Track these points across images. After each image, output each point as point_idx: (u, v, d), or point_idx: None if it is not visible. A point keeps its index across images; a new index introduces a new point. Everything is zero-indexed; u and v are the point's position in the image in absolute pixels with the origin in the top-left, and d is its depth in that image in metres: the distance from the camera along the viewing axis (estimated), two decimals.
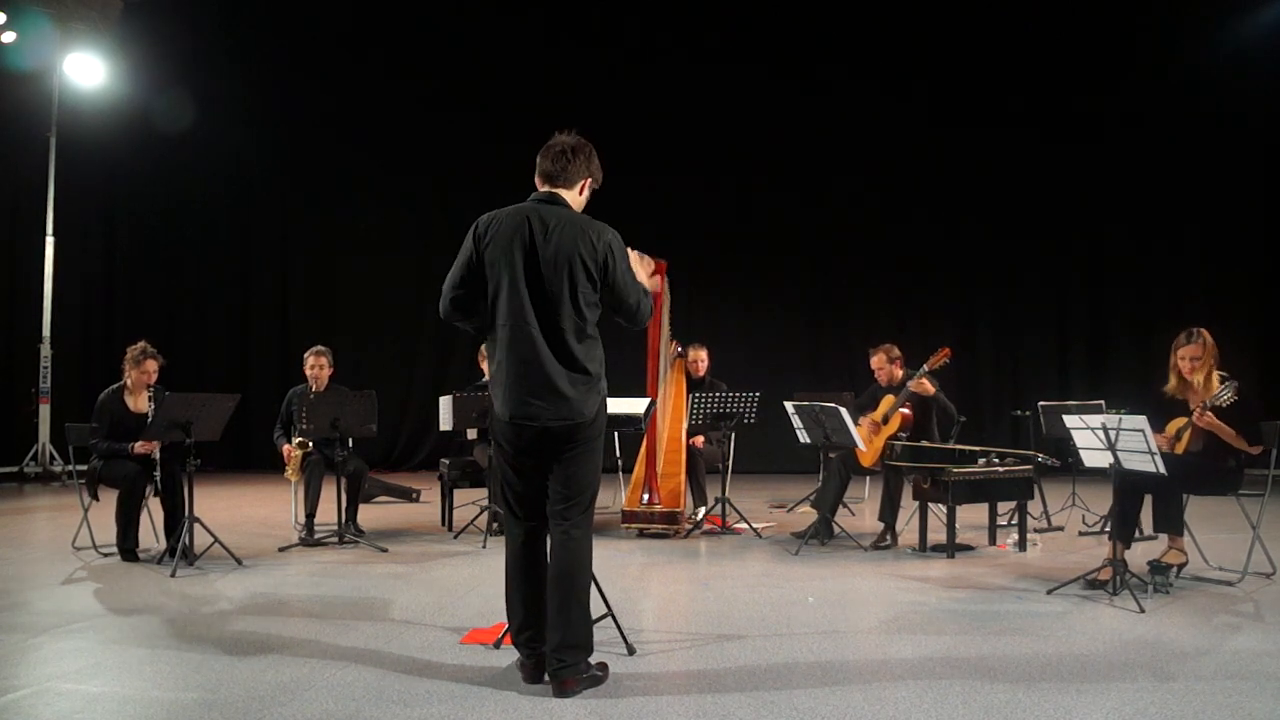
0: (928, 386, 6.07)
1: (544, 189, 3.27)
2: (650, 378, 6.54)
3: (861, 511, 7.65)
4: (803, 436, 6.27)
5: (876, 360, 6.40)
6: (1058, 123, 11.28)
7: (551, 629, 3.13)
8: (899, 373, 6.35)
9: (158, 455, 5.53)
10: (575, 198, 3.29)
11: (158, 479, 5.54)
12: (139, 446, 5.49)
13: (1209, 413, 4.64)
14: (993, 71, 11.32)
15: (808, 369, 11.42)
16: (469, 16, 11.58)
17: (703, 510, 6.79)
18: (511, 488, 3.27)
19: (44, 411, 10.25)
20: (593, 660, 3.22)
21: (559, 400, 3.11)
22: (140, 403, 5.72)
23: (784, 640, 3.78)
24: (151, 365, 5.71)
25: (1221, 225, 11.10)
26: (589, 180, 3.32)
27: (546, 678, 3.17)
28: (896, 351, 6.41)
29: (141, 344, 5.77)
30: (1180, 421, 4.83)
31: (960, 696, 3.09)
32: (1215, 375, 4.78)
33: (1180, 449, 4.80)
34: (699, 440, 6.96)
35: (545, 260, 3.11)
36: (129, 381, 5.71)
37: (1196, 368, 4.79)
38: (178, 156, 11.50)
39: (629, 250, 3.29)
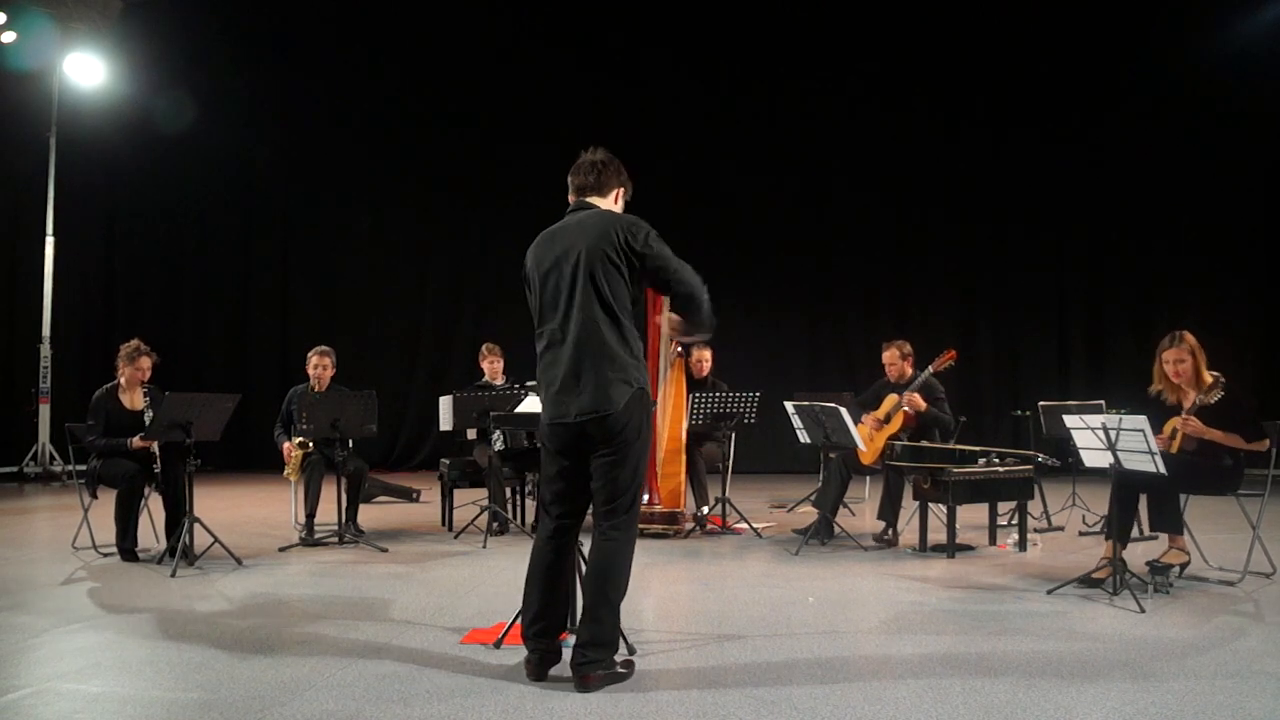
0: (919, 402, 6.10)
1: (575, 200, 3.35)
2: (650, 378, 6.53)
3: (861, 511, 7.64)
4: (803, 436, 6.27)
5: (889, 355, 6.41)
6: (1058, 123, 11.28)
7: (581, 625, 3.18)
8: (909, 369, 6.36)
9: (157, 450, 5.52)
10: (610, 205, 3.36)
11: (157, 473, 5.53)
12: (137, 441, 5.49)
13: (1193, 419, 4.65)
14: (994, 72, 11.33)
15: (808, 369, 11.42)
16: (469, 19, 11.58)
17: (705, 509, 6.79)
18: (549, 483, 3.32)
19: (44, 411, 10.25)
20: (617, 658, 3.26)
21: (581, 392, 3.14)
22: (135, 399, 5.72)
23: (784, 640, 3.78)
24: (145, 362, 5.72)
25: (1222, 225, 11.09)
26: (621, 190, 3.40)
27: (550, 672, 3.22)
28: (909, 348, 6.43)
29: (135, 341, 5.77)
30: (1175, 421, 4.84)
31: (960, 696, 3.09)
32: (1206, 374, 4.78)
33: (1174, 448, 4.81)
34: (708, 451, 6.95)
35: (569, 259, 3.18)
36: (123, 379, 5.71)
37: (1183, 371, 4.81)
38: (178, 156, 11.51)
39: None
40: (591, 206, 3.30)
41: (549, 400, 3.23)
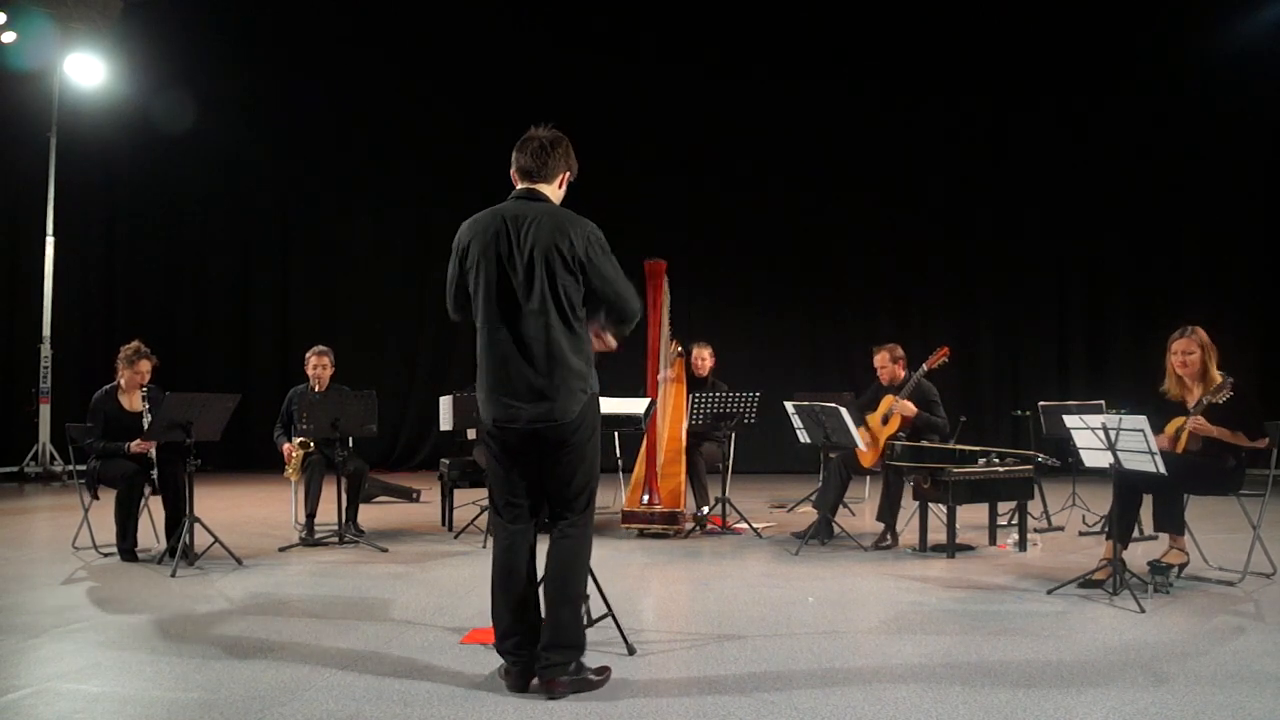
0: (910, 407, 6.10)
1: (522, 186, 3.23)
2: (650, 378, 6.54)
3: (861, 511, 7.64)
4: (803, 436, 6.27)
5: (880, 359, 6.41)
6: (1058, 123, 11.28)
7: (543, 629, 3.12)
8: (901, 373, 6.36)
9: (154, 454, 5.52)
10: (555, 192, 3.26)
11: (154, 478, 5.53)
12: (135, 445, 5.49)
13: (1200, 418, 4.65)
14: (994, 72, 11.32)
15: (808, 369, 11.42)
16: (469, 17, 11.58)
17: (705, 509, 6.79)
18: (500, 488, 3.23)
19: (44, 411, 10.25)
20: (594, 664, 3.20)
21: (539, 401, 3.07)
22: (134, 402, 5.72)
23: (784, 640, 3.78)
24: (145, 365, 5.71)
25: (1221, 225, 11.09)
26: (567, 174, 3.28)
27: (534, 683, 3.13)
28: (900, 351, 6.42)
29: (135, 344, 5.77)
30: (1179, 421, 4.84)
31: (960, 696, 3.09)
32: (1215, 372, 4.78)
33: (1180, 448, 4.81)
34: (708, 451, 6.96)
35: (522, 258, 3.08)
36: (122, 381, 5.71)
37: (1191, 363, 4.80)
38: (178, 156, 11.50)
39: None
40: (539, 195, 3.19)
41: (494, 400, 3.12)
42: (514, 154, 3.24)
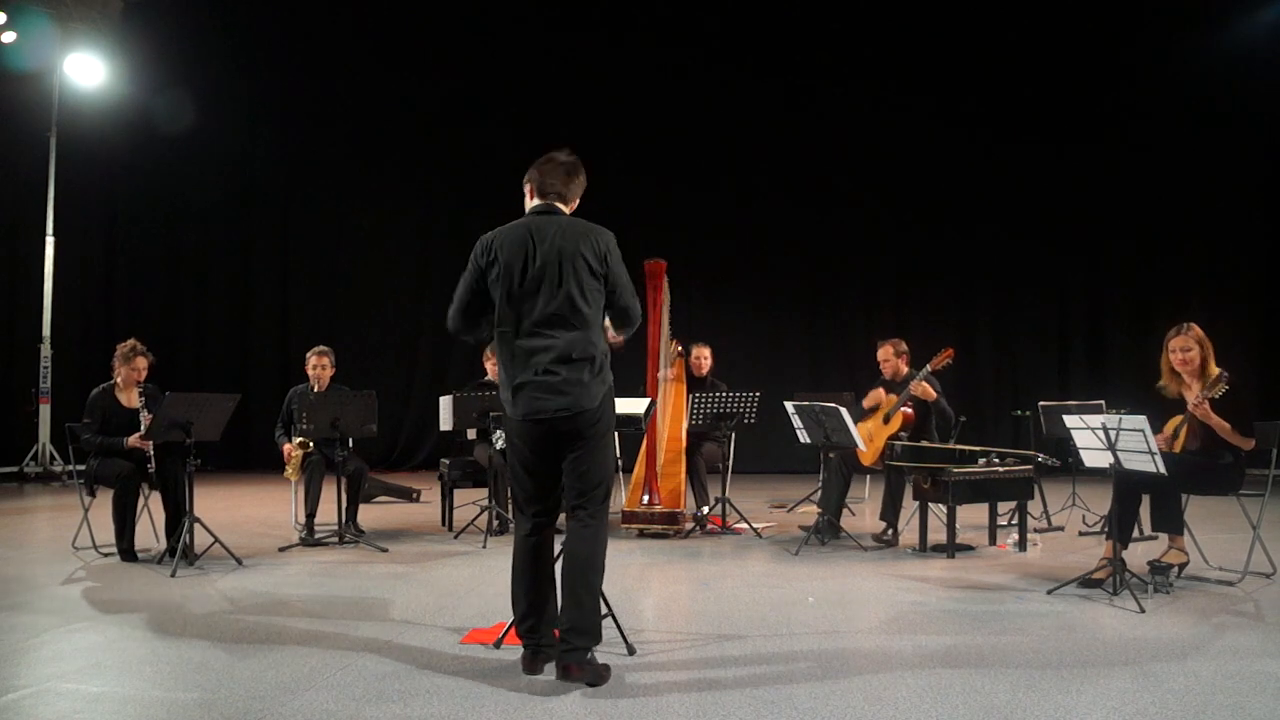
0: (929, 391, 6.10)
1: (542, 202, 3.39)
2: (650, 378, 6.54)
3: (861, 511, 7.64)
4: (803, 436, 6.27)
5: (884, 352, 6.41)
6: (1058, 123, 11.28)
7: (563, 612, 3.25)
8: (904, 369, 6.36)
9: (152, 451, 5.52)
10: (570, 211, 3.45)
11: (152, 473, 5.52)
12: (133, 440, 5.49)
13: (1205, 404, 4.64)
14: (993, 73, 11.32)
15: (808, 369, 11.42)
16: (469, 17, 11.58)
17: (705, 509, 6.79)
18: (520, 483, 3.41)
19: (44, 411, 10.25)
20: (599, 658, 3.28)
21: (563, 394, 3.22)
22: (131, 399, 5.72)
23: (784, 640, 3.78)
24: (141, 362, 5.74)
25: (1221, 225, 11.09)
26: (579, 196, 3.50)
27: (545, 668, 3.26)
28: (904, 346, 6.43)
29: (131, 341, 5.80)
30: (1177, 420, 4.84)
31: (960, 696, 3.09)
32: (1213, 367, 4.79)
33: (1177, 447, 4.81)
34: (708, 451, 6.96)
35: (547, 263, 3.24)
36: (119, 379, 5.73)
37: (1190, 359, 4.80)
38: (178, 156, 11.50)
39: None
40: (557, 210, 3.37)
41: (522, 397, 3.26)
42: (534, 172, 3.43)
